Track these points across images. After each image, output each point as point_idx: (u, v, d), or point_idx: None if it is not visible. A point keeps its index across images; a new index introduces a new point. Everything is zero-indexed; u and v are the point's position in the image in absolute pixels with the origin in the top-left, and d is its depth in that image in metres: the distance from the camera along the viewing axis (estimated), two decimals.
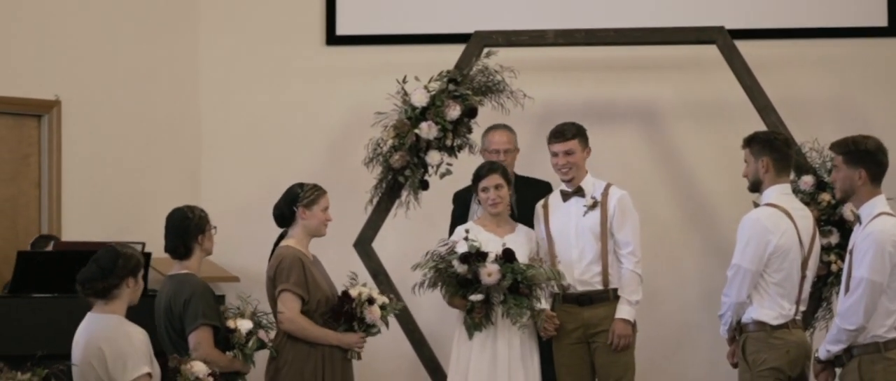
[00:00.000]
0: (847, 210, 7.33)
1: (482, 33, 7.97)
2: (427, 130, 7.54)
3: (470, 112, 7.62)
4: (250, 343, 6.13)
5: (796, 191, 7.31)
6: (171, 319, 6.17)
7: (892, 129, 7.69)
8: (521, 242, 7.02)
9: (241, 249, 8.17)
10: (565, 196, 7.12)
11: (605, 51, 8.47)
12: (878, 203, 5.86)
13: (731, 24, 8.06)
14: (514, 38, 8.01)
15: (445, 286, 6.87)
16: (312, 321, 6.49)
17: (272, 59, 9.15)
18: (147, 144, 8.93)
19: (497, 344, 6.88)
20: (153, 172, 8.94)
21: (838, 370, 5.99)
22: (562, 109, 8.27)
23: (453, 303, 6.94)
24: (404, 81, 7.64)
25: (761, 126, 7.55)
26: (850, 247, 5.96)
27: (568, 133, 7.06)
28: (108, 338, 5.46)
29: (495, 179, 7.02)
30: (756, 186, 6.46)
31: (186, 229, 6.27)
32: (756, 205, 6.53)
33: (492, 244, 6.87)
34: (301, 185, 6.67)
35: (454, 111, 7.56)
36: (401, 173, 7.67)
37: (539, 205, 7.23)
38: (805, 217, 6.42)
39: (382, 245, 8.04)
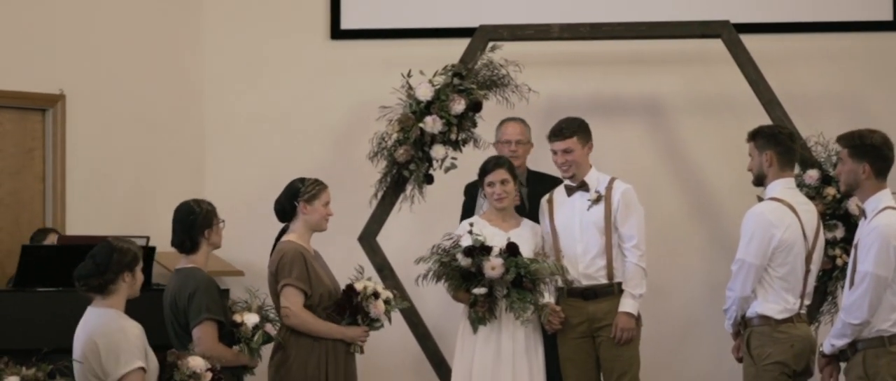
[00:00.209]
0: (852, 204, 7.32)
1: (487, 27, 7.97)
2: (432, 124, 7.53)
3: (475, 106, 7.61)
4: (256, 337, 6.12)
5: (801, 185, 7.31)
6: (176, 313, 6.17)
7: None
8: (526, 236, 7.02)
9: (245, 243, 8.17)
10: (570, 191, 7.11)
11: (610, 45, 8.46)
12: (884, 197, 5.85)
13: (736, 19, 8.04)
14: (519, 33, 8.01)
15: (449, 280, 6.87)
16: (315, 315, 6.49)
17: (277, 54, 9.15)
18: (151, 138, 8.93)
19: (501, 338, 6.88)
20: (157, 166, 8.95)
21: (843, 365, 5.99)
22: (567, 104, 8.27)
23: (457, 297, 6.95)
24: (409, 75, 7.63)
25: (766, 120, 7.54)
26: (855, 241, 5.95)
27: (566, 131, 7.05)
28: (102, 332, 5.46)
29: (501, 173, 7.02)
30: (760, 180, 6.45)
31: (192, 223, 6.25)
32: (760, 199, 6.52)
33: (497, 239, 6.88)
34: (302, 179, 6.67)
35: (459, 105, 7.55)
36: (405, 168, 7.67)
37: (544, 200, 7.23)
38: (809, 211, 6.41)
39: (387, 239, 8.04)
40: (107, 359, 5.43)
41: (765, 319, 6.29)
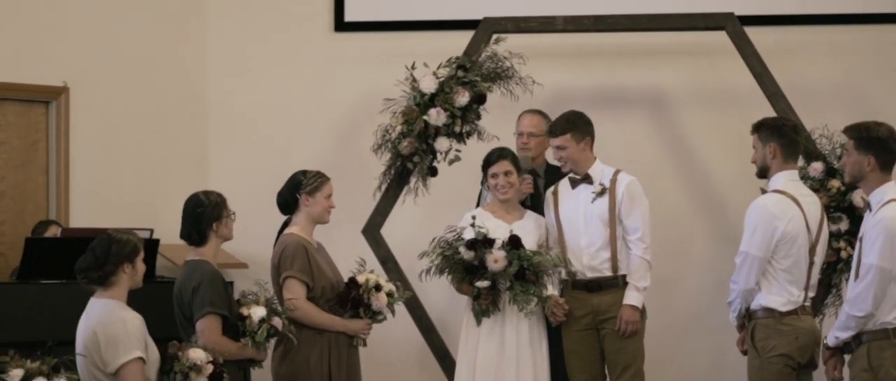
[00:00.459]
0: (857, 197, 7.32)
1: (491, 20, 7.96)
2: (436, 116, 7.53)
3: (479, 98, 7.60)
4: (260, 331, 6.10)
5: (805, 178, 7.31)
6: (181, 306, 6.16)
7: None
8: (529, 228, 7.02)
9: (249, 235, 8.12)
10: (574, 183, 7.11)
11: (614, 37, 8.46)
12: (889, 190, 5.84)
13: (740, 11, 8.03)
14: (523, 25, 8.00)
15: (452, 273, 6.86)
16: (317, 307, 6.49)
17: (281, 46, 9.15)
18: (155, 130, 8.93)
19: (505, 331, 6.88)
20: (161, 158, 8.94)
21: (847, 357, 5.99)
22: (571, 96, 8.26)
23: (461, 289, 6.95)
24: (413, 67, 7.63)
25: (771, 113, 7.53)
26: (860, 234, 5.95)
27: (557, 130, 7.05)
28: (102, 323, 5.47)
29: (505, 165, 7.02)
30: (764, 173, 6.45)
31: (200, 215, 6.22)
32: (763, 191, 6.52)
33: (500, 231, 6.87)
34: (304, 172, 6.67)
35: (463, 98, 7.55)
36: (409, 160, 7.67)
37: (549, 192, 7.23)
38: (812, 203, 6.40)
39: (391, 232, 8.04)
40: (106, 349, 5.43)
41: (769, 311, 6.29)
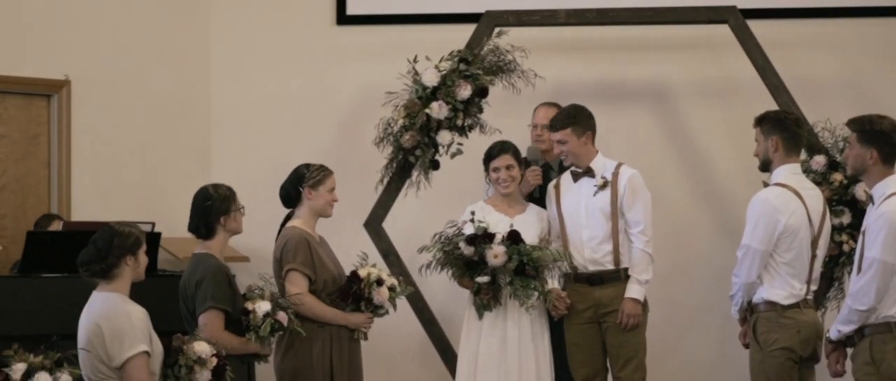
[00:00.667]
0: (859, 190, 7.32)
1: (493, 13, 7.95)
2: (438, 109, 7.53)
3: (481, 92, 7.60)
4: (264, 325, 6.08)
5: (808, 171, 7.31)
6: (185, 299, 6.15)
7: None
8: (531, 222, 7.03)
9: (251, 229, 8.07)
10: (576, 176, 7.11)
11: (617, 30, 8.44)
12: (891, 183, 5.83)
13: (743, 4, 8.02)
14: (526, 18, 8.00)
15: (453, 268, 6.86)
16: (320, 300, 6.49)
17: (283, 39, 9.14)
18: (157, 124, 8.92)
19: (507, 324, 6.89)
20: (163, 152, 8.94)
21: (849, 350, 5.98)
22: (573, 89, 8.26)
23: (462, 283, 6.96)
24: (415, 60, 7.62)
25: (773, 106, 7.52)
26: (863, 227, 5.94)
27: (557, 124, 7.06)
28: (107, 316, 5.45)
29: (506, 159, 7.03)
30: (766, 166, 6.44)
31: (209, 209, 6.20)
32: (766, 184, 6.51)
33: (502, 225, 6.88)
34: (307, 165, 6.67)
35: (465, 91, 7.54)
36: (411, 153, 7.66)
37: (551, 185, 7.23)
38: (814, 196, 6.39)
39: (393, 225, 8.03)
40: (111, 343, 5.42)
41: (771, 305, 6.28)
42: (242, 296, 6.21)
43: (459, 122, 7.60)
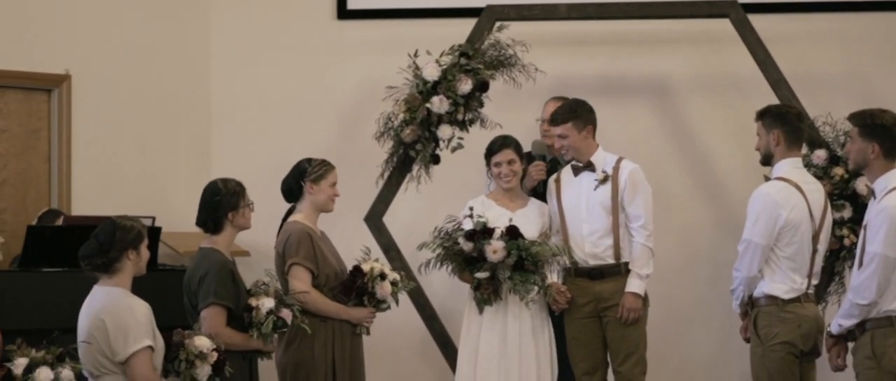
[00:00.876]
0: (860, 184, 7.32)
1: (494, 7, 7.94)
2: (438, 104, 7.52)
3: (481, 86, 7.59)
4: (266, 322, 6.06)
5: (809, 165, 7.30)
6: (189, 294, 6.13)
7: None
8: (532, 216, 7.03)
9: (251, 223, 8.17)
10: (576, 171, 7.10)
11: (618, 25, 8.44)
12: (893, 178, 5.83)
13: None
14: (526, 12, 7.99)
15: (452, 264, 6.86)
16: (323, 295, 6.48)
17: (283, 34, 9.13)
18: (157, 118, 8.92)
19: (507, 319, 6.89)
20: (163, 146, 8.93)
21: (850, 345, 5.98)
22: (574, 84, 8.25)
23: (463, 277, 6.95)
24: (416, 55, 7.62)
25: (774, 100, 7.51)
26: (864, 222, 5.94)
27: (558, 119, 7.06)
28: (110, 311, 5.45)
29: (508, 154, 7.03)
30: (767, 160, 6.45)
31: (217, 204, 6.18)
32: (767, 179, 6.51)
33: (503, 219, 6.88)
34: (309, 160, 6.67)
35: (466, 85, 7.54)
36: (412, 148, 7.65)
37: (552, 179, 7.22)
38: (815, 191, 6.40)
39: (393, 220, 8.03)
40: (115, 338, 5.42)
41: (772, 299, 6.29)
42: (248, 292, 6.19)
43: (460, 116, 7.59)
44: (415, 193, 7.83)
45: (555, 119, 7.08)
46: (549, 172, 7.34)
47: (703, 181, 8.89)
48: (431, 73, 7.55)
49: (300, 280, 6.42)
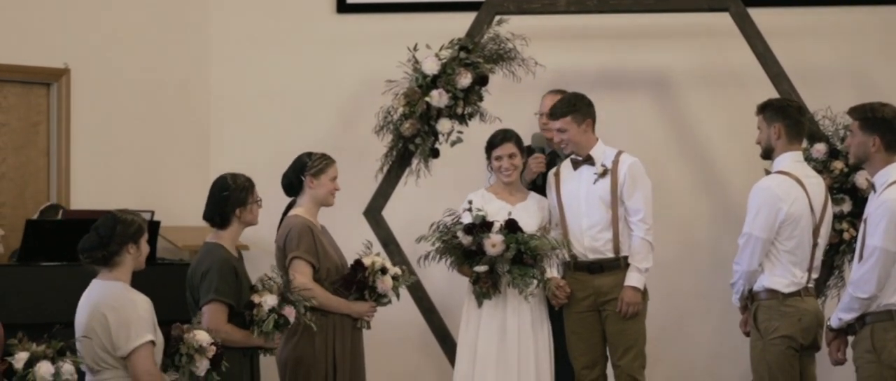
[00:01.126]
0: (860, 178, 7.31)
1: (494, 1, 7.93)
2: (438, 98, 7.52)
3: (481, 80, 7.59)
4: (268, 320, 6.04)
5: (809, 159, 7.30)
6: (191, 288, 6.12)
7: None
8: (532, 210, 7.03)
9: None
10: (576, 164, 7.10)
11: (617, 18, 8.42)
12: (893, 171, 5.82)
13: None
14: (526, 6, 7.98)
15: (451, 257, 6.86)
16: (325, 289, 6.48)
17: (283, 28, 9.12)
18: (157, 112, 8.91)
19: (506, 312, 6.89)
20: (163, 140, 8.93)
21: (850, 339, 5.98)
22: (573, 77, 8.25)
23: (462, 271, 6.95)
24: (415, 48, 7.61)
25: (773, 94, 7.52)
26: (864, 215, 5.93)
27: (557, 113, 7.07)
28: (112, 306, 5.44)
29: (509, 148, 7.04)
30: (768, 153, 6.44)
31: (224, 199, 6.15)
32: (767, 172, 6.51)
33: (502, 212, 6.89)
34: (309, 154, 6.66)
35: (465, 79, 7.53)
36: (411, 141, 7.65)
37: (551, 173, 7.23)
38: (816, 184, 6.39)
39: (393, 213, 8.02)
40: (117, 332, 5.41)
41: (772, 293, 6.28)
42: (251, 288, 6.16)
43: (459, 110, 7.59)
44: (414, 187, 7.83)
45: (554, 113, 7.08)
46: (549, 166, 7.35)
47: (702, 175, 8.89)
48: (431, 66, 7.54)
49: (301, 274, 6.41)
